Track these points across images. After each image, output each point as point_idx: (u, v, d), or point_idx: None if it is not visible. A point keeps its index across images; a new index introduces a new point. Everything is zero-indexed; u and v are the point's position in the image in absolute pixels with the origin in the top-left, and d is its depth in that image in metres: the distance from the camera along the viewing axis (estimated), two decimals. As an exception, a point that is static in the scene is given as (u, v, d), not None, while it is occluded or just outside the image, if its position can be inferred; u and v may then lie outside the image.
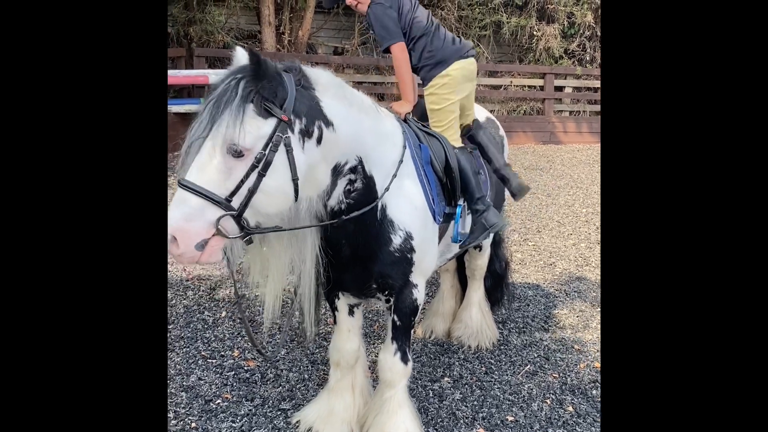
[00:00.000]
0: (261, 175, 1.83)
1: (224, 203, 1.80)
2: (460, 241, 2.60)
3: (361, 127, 2.16)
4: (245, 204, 1.84)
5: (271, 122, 1.84)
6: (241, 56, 1.97)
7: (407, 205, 2.34)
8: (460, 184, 2.71)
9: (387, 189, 2.26)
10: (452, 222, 2.61)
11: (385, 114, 2.42)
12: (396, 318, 2.46)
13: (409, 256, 2.34)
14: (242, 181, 1.82)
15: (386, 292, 2.42)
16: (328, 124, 1.99)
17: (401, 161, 2.33)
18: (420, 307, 2.50)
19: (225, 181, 1.80)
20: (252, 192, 1.83)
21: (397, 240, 2.31)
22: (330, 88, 2.04)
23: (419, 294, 2.46)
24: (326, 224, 2.19)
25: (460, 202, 2.60)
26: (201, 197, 1.77)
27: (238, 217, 1.84)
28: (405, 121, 2.63)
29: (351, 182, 2.18)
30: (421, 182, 2.41)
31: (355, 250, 2.30)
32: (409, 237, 2.33)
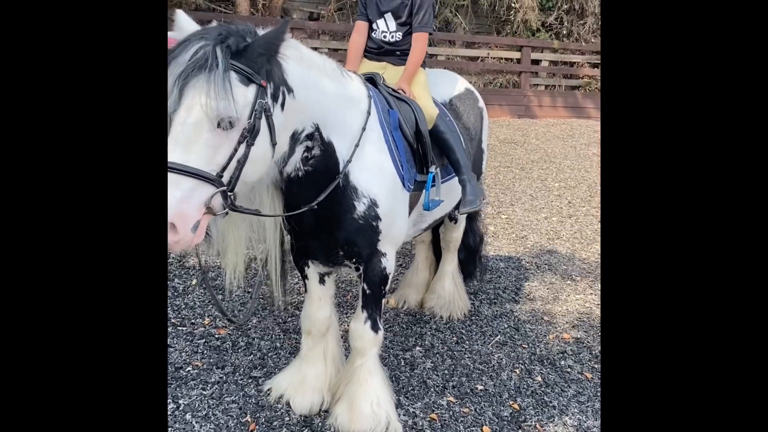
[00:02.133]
0: (249, 145, 1.79)
1: (217, 180, 1.74)
2: (431, 209, 2.59)
3: (321, 91, 2.11)
4: (237, 177, 1.80)
5: (253, 89, 1.79)
6: (184, 22, 1.87)
7: (371, 172, 2.30)
8: (445, 152, 2.69)
9: (350, 161, 2.23)
10: (425, 190, 2.59)
11: (351, 78, 2.37)
12: (366, 286, 2.46)
13: (374, 223, 2.32)
14: (233, 154, 1.76)
15: (354, 260, 2.41)
16: (290, 90, 1.95)
17: (364, 128, 2.29)
18: (390, 276, 2.49)
19: (214, 157, 1.73)
20: (242, 163, 1.79)
21: (360, 207, 2.28)
22: (290, 51, 1.95)
23: (388, 263, 2.45)
24: (305, 210, 2.19)
25: (432, 169, 2.57)
26: (193, 177, 1.69)
27: (230, 192, 1.79)
28: (375, 85, 2.59)
29: (308, 149, 2.16)
30: (389, 148, 2.37)
31: (318, 217, 2.27)
32: (373, 204, 2.30)
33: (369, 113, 2.33)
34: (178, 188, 1.67)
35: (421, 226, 2.86)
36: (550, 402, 2.90)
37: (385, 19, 2.88)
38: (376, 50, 2.96)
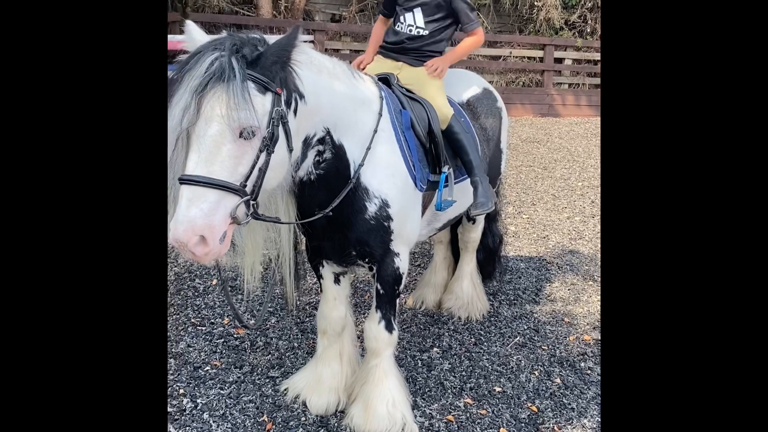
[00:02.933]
0: (270, 153, 1.81)
1: (241, 190, 1.75)
2: (444, 209, 2.57)
3: (331, 95, 2.11)
4: (260, 185, 1.82)
5: (269, 97, 1.80)
6: (195, 33, 1.88)
7: (383, 172, 2.30)
8: (458, 152, 2.67)
9: (362, 164, 2.24)
10: (437, 190, 2.57)
11: (362, 79, 2.37)
12: (379, 287, 2.46)
13: (386, 224, 2.32)
14: (254, 163, 1.78)
15: (366, 260, 2.41)
16: (301, 96, 1.95)
17: (376, 130, 2.29)
18: (404, 276, 2.49)
19: (237, 167, 1.74)
20: (263, 171, 1.81)
21: (372, 208, 2.28)
22: (301, 57, 1.94)
23: (401, 263, 2.44)
24: (317, 217, 2.22)
25: (445, 169, 2.56)
26: (218, 189, 1.70)
27: (253, 200, 1.82)
28: (389, 86, 2.58)
29: (320, 153, 2.17)
30: (401, 148, 2.37)
31: (330, 219, 2.28)
32: (385, 204, 2.30)
33: (381, 114, 2.33)
34: (204, 201, 1.69)
35: (436, 225, 2.85)
36: (569, 404, 2.87)
37: (413, 13, 2.83)
38: (396, 46, 2.88)
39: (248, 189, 1.78)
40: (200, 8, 9.71)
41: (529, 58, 11.92)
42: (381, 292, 2.46)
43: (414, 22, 2.83)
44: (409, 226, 2.45)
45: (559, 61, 12.07)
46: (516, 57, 11.75)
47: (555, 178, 7.23)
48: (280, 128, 1.84)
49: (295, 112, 1.92)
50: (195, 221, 1.66)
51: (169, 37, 8.33)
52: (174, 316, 3.41)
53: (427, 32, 2.82)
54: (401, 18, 2.86)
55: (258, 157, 1.78)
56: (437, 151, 2.55)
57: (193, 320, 3.38)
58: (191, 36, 1.88)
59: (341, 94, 2.17)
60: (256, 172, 1.79)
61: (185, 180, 1.69)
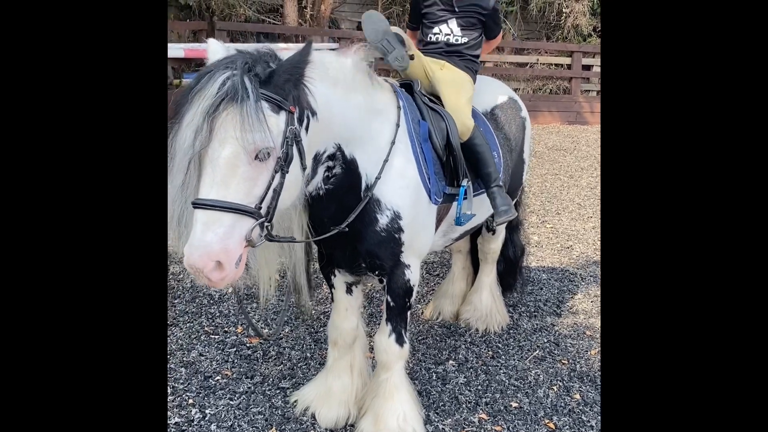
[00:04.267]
0: (285, 173, 1.77)
1: (256, 212, 1.72)
2: (464, 223, 2.51)
3: (345, 108, 2.05)
4: (275, 206, 1.78)
5: (283, 116, 1.76)
6: (213, 50, 1.84)
7: (395, 184, 2.24)
8: (476, 165, 2.60)
9: (379, 177, 2.19)
10: (455, 202, 2.51)
11: (381, 87, 2.31)
12: (389, 299, 2.40)
13: (397, 236, 2.26)
14: (269, 184, 1.74)
15: (377, 272, 2.36)
16: (313, 112, 1.90)
17: (393, 142, 2.23)
18: (414, 288, 2.43)
19: (252, 189, 1.71)
20: (278, 192, 1.77)
21: (383, 219, 2.23)
22: (315, 72, 1.88)
23: (412, 275, 2.38)
24: (332, 233, 2.19)
25: (464, 182, 2.49)
26: (233, 213, 1.67)
27: (268, 222, 1.78)
28: (412, 94, 2.53)
29: (329, 169, 2.12)
30: (417, 159, 2.31)
31: (341, 230, 2.22)
32: (396, 217, 2.24)
33: (398, 125, 2.27)
34: (220, 225, 1.65)
35: (452, 236, 2.78)
36: (588, 421, 2.76)
37: (448, 24, 2.86)
38: (440, 49, 2.88)
39: (263, 211, 1.74)
40: (227, 17, 9.79)
41: (556, 65, 11.76)
42: (391, 304, 2.40)
43: (451, 31, 2.86)
44: (422, 239, 2.40)
45: (587, 68, 11.87)
46: (543, 64, 11.60)
47: (581, 187, 7.09)
48: (294, 147, 1.80)
49: (306, 129, 1.88)
50: (211, 246, 1.63)
51: (196, 45, 8.39)
52: (188, 324, 3.39)
53: (465, 39, 2.87)
54: (435, 29, 2.87)
55: (273, 178, 1.74)
56: (455, 164, 2.48)
57: (206, 328, 3.36)
58: (213, 52, 1.84)
59: (356, 106, 2.11)
60: (270, 193, 1.75)
61: (200, 204, 1.65)
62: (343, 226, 2.18)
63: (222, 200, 1.65)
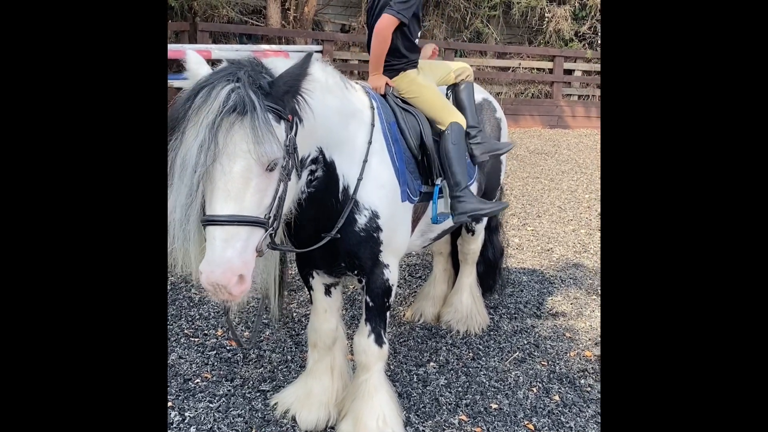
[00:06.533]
0: (287, 181, 1.81)
1: (267, 223, 1.75)
2: (440, 222, 2.52)
3: (324, 110, 2.05)
4: (280, 214, 1.81)
5: (283, 125, 1.79)
6: (195, 64, 1.84)
7: (372, 184, 2.26)
8: (443, 167, 2.61)
9: (360, 178, 2.21)
10: (431, 202, 2.52)
11: (354, 89, 2.33)
12: (368, 299, 2.41)
13: (375, 235, 2.28)
14: (275, 193, 1.77)
15: (356, 272, 2.37)
16: (300, 119, 1.91)
17: (370, 142, 2.25)
18: (393, 288, 2.44)
19: (263, 200, 1.74)
20: (282, 200, 1.80)
21: (362, 219, 2.25)
22: (309, 86, 1.89)
23: (391, 274, 2.39)
24: (325, 241, 2.20)
25: (438, 181, 2.50)
26: (248, 225, 1.69)
27: (275, 230, 1.81)
28: (384, 96, 2.54)
29: (312, 172, 2.14)
30: (391, 159, 2.33)
31: (318, 230, 2.24)
32: (375, 216, 2.26)
33: (373, 125, 2.29)
34: (238, 239, 1.67)
35: (430, 236, 2.79)
36: (567, 423, 2.78)
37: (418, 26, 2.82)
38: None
39: (270, 220, 1.78)
40: (209, 18, 9.73)
41: (538, 69, 11.85)
42: (370, 304, 2.41)
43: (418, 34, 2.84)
44: (399, 237, 2.40)
45: (569, 72, 11.99)
46: (525, 68, 11.68)
47: (562, 190, 7.15)
48: (294, 154, 1.84)
49: (296, 135, 1.89)
50: (232, 262, 1.64)
51: (178, 46, 8.31)
52: (167, 327, 3.36)
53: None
54: (418, 34, 2.83)
55: (279, 187, 1.78)
56: (429, 163, 2.50)
57: (186, 331, 3.34)
58: (191, 67, 1.84)
59: (333, 109, 2.13)
60: (276, 201, 1.78)
61: (217, 221, 1.65)
62: (333, 232, 2.20)
63: (239, 215, 1.67)
